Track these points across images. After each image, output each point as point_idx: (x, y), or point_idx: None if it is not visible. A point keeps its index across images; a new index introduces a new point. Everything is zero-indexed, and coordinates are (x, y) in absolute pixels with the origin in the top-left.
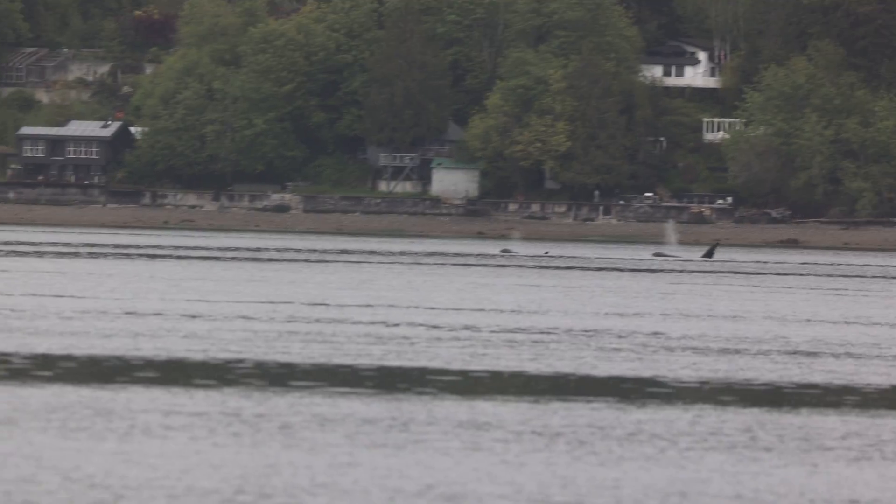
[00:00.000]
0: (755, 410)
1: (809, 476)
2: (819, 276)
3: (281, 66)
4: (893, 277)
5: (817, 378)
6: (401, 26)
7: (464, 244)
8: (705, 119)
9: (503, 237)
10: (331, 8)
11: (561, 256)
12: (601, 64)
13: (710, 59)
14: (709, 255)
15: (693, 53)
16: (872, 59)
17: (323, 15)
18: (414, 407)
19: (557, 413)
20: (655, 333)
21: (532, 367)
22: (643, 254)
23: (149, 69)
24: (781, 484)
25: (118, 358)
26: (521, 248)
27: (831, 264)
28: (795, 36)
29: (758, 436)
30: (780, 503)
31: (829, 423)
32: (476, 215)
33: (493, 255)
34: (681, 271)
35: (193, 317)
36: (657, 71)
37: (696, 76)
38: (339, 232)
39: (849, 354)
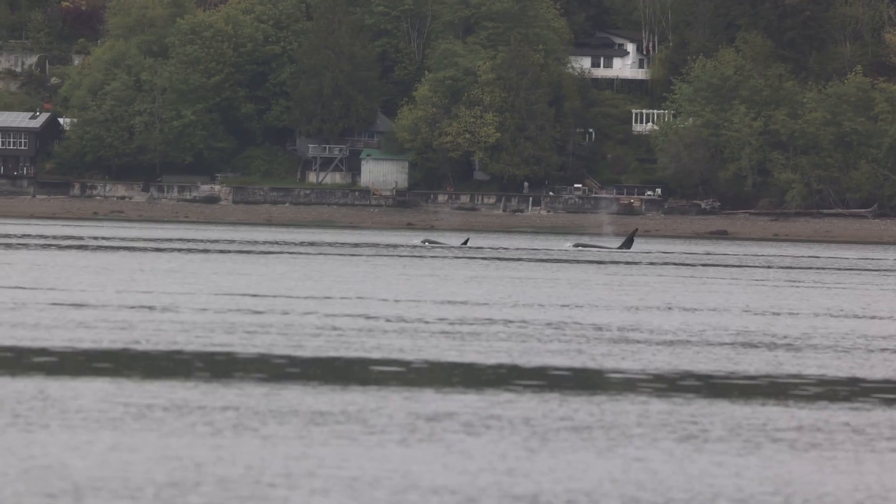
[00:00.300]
0: (702, 401)
1: (750, 467)
2: (750, 267)
3: (209, 58)
4: (822, 268)
5: (749, 369)
6: (329, 17)
7: (394, 235)
8: (634, 111)
9: (432, 228)
10: None
11: (480, 247)
12: (529, 55)
13: (639, 50)
14: (627, 244)
15: (621, 45)
16: (800, 50)
17: (251, 6)
18: (360, 398)
19: (504, 404)
20: (575, 323)
21: (475, 358)
22: (564, 244)
23: (77, 60)
24: (731, 475)
25: (48, 350)
26: (445, 239)
27: (761, 255)
28: (723, 27)
29: (705, 426)
30: (729, 493)
31: (766, 413)
32: (405, 206)
33: (416, 246)
34: (599, 262)
35: (132, 308)
36: (586, 62)
37: (625, 68)
38: (269, 223)
39: (786, 346)
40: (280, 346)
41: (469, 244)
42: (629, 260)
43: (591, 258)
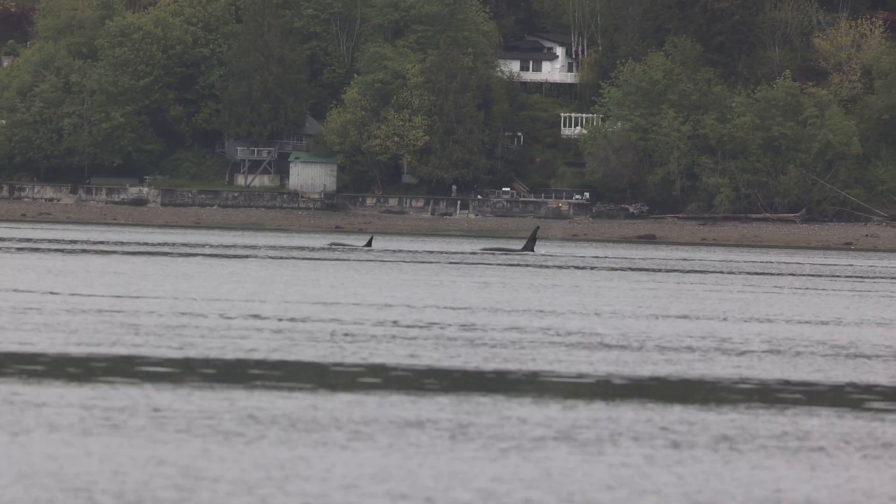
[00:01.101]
0: (651, 405)
1: (657, 469)
2: (676, 271)
3: (138, 60)
4: (750, 273)
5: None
6: (258, 20)
7: (321, 238)
8: (563, 114)
9: (361, 231)
10: (188, 2)
11: (385, 250)
12: (458, 59)
13: (568, 54)
14: (529, 246)
15: (550, 49)
16: (729, 54)
17: (180, 8)
18: (288, 403)
19: (447, 408)
20: (480, 327)
21: (412, 362)
22: (474, 247)
23: (6, 62)
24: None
25: None
26: (350, 241)
27: (685, 259)
28: (653, 31)
29: (641, 430)
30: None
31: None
32: (334, 209)
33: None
34: (507, 265)
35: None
36: (515, 66)
37: (554, 71)
38: (197, 225)
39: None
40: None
41: (373, 246)
42: (531, 263)
43: (493, 261)
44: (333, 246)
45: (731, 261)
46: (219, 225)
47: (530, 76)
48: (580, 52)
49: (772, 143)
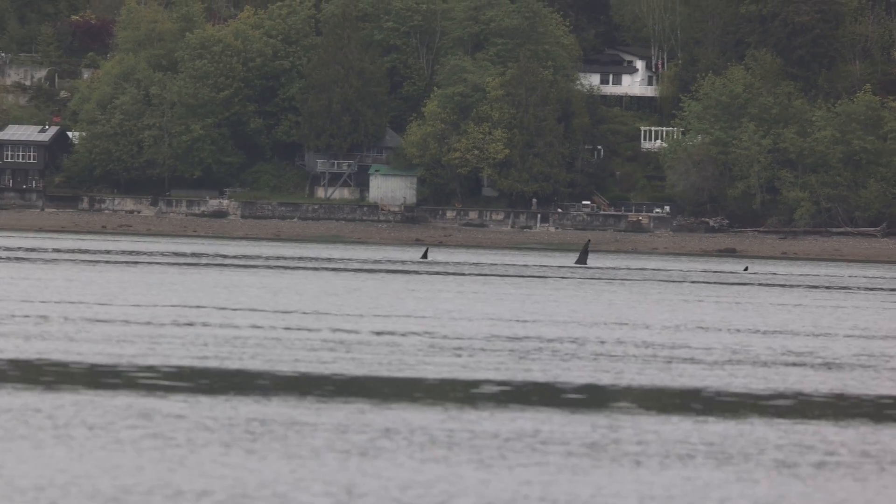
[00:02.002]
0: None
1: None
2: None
3: (218, 72)
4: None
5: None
6: (338, 33)
7: (403, 251)
8: (643, 128)
9: (441, 244)
10: (268, 14)
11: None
12: (538, 72)
13: (648, 67)
14: (582, 259)
15: (630, 62)
16: (809, 68)
17: (260, 21)
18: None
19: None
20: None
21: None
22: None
23: (86, 74)
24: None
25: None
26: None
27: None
28: (733, 45)
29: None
30: None
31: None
32: (414, 222)
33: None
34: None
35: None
36: (594, 79)
37: (634, 85)
38: (277, 238)
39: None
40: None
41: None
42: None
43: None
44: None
45: (854, 276)
46: (298, 237)
47: (610, 89)
48: (660, 66)
49: (852, 157)
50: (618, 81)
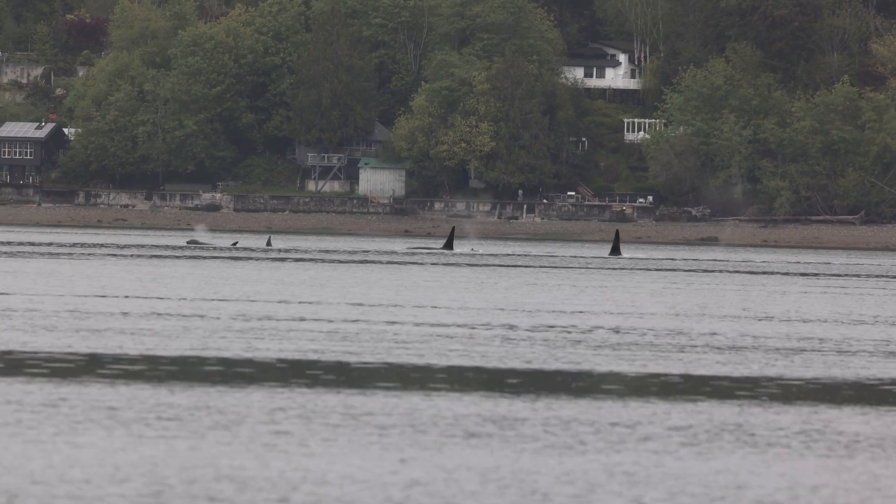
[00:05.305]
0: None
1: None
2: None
3: (210, 69)
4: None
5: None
6: (327, 29)
7: (392, 242)
8: (626, 119)
9: (429, 235)
10: (259, 12)
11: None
12: (524, 66)
13: (631, 61)
14: (449, 245)
15: (614, 55)
16: (789, 60)
17: (251, 18)
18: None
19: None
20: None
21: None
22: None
23: (81, 72)
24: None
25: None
26: (208, 239)
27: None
28: (713, 38)
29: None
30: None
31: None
32: (403, 214)
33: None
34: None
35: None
36: (578, 73)
37: (617, 78)
38: (269, 230)
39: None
40: None
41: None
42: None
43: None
44: (190, 244)
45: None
46: (290, 230)
47: (594, 82)
48: (643, 59)
49: (831, 147)
50: (601, 75)
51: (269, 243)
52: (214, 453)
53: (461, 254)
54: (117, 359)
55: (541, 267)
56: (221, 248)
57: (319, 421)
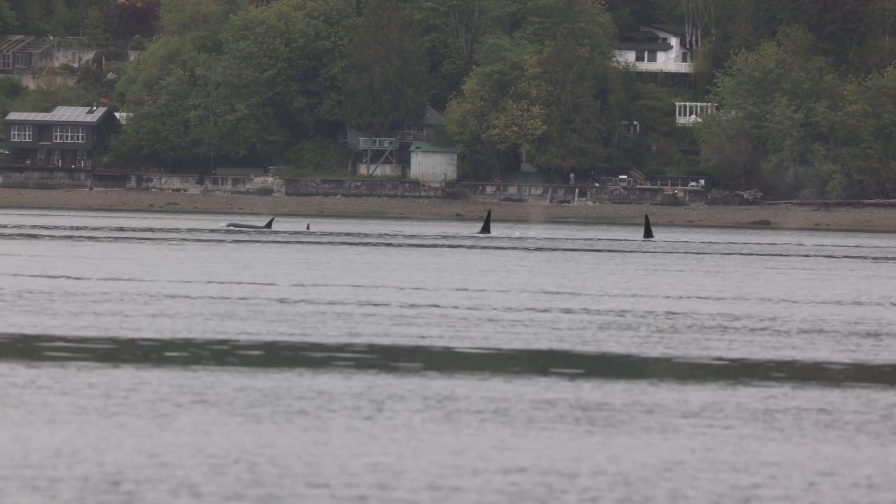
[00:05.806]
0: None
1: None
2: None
3: (262, 53)
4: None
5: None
6: (379, 13)
7: (444, 225)
8: (678, 103)
9: (480, 218)
10: None
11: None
12: (575, 50)
13: (682, 44)
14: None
15: (665, 39)
16: (840, 44)
17: (302, 2)
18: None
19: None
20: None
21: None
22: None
23: (132, 56)
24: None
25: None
26: (254, 222)
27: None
28: (765, 21)
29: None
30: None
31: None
32: (454, 197)
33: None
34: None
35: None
36: (630, 56)
37: (669, 61)
38: (321, 214)
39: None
40: None
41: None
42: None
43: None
44: (232, 227)
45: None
46: (342, 213)
47: (645, 66)
48: (694, 42)
49: (883, 130)
50: (653, 58)
51: (269, 225)
52: (308, 440)
53: (501, 237)
54: (244, 346)
55: (592, 251)
56: (287, 233)
57: (447, 408)
